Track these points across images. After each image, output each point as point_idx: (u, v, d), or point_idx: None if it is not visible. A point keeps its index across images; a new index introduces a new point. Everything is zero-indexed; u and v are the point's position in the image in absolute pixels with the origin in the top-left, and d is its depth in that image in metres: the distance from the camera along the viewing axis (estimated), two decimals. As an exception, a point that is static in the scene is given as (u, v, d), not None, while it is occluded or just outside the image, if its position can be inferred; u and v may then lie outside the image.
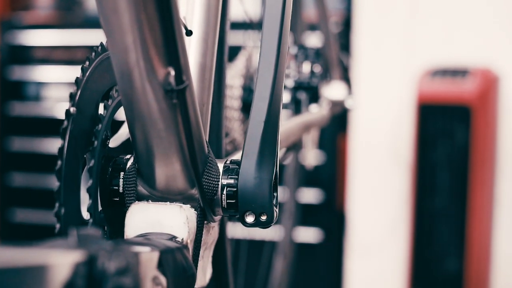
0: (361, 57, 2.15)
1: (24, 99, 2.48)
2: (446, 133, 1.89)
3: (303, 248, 2.10)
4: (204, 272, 0.63)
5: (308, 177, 1.88)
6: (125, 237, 0.54)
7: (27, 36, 2.45)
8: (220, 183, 0.57)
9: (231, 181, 0.57)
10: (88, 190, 0.52)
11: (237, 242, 1.60)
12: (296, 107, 1.10)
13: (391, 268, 2.12)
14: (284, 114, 1.10)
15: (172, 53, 0.47)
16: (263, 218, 0.56)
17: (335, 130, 2.15)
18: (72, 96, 0.51)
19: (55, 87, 2.44)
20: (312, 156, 1.30)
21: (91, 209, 0.53)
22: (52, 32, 2.44)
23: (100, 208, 0.55)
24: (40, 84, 2.46)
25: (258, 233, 1.95)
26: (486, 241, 1.97)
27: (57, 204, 0.49)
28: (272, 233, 1.83)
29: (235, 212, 0.57)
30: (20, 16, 2.54)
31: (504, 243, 2.03)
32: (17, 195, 2.49)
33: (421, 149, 1.91)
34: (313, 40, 1.28)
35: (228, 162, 0.58)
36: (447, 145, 1.89)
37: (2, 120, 2.49)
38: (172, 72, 0.48)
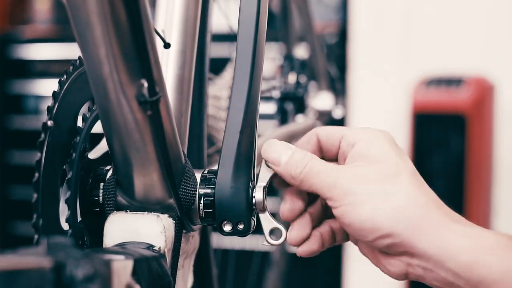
0: (356, 67, 2.16)
1: (23, 113, 2.50)
2: (441, 141, 1.90)
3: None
4: (185, 281, 0.64)
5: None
6: (103, 246, 0.55)
7: (26, 50, 2.47)
8: (197, 192, 0.58)
9: (208, 190, 0.57)
10: (67, 202, 0.53)
11: (225, 252, 1.60)
12: (283, 117, 1.11)
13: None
14: (270, 124, 1.11)
15: (145, 65, 0.48)
16: (240, 227, 0.57)
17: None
18: (49, 109, 0.52)
19: (54, 100, 2.46)
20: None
21: (70, 220, 0.54)
22: (51, 46, 2.46)
23: (79, 219, 0.56)
24: (40, 98, 2.48)
25: (248, 243, 1.95)
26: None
27: (35, 215, 0.50)
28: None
29: (213, 221, 0.58)
30: (19, 30, 2.56)
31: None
32: (17, 207, 2.50)
33: (417, 158, 1.91)
34: (300, 51, 1.29)
35: (206, 172, 0.59)
36: (443, 153, 1.90)
37: (2, 134, 2.51)
38: (145, 84, 0.49)
